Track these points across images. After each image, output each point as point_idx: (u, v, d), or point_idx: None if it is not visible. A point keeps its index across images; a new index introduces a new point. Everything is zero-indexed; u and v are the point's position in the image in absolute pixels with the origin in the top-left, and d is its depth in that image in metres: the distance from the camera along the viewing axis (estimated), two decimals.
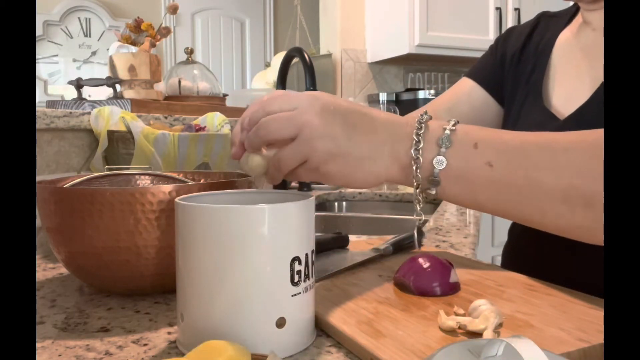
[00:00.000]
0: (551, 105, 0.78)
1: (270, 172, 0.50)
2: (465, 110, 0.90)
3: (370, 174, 0.48)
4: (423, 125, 0.47)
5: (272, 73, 2.32)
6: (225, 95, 1.85)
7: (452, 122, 0.48)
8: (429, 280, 0.60)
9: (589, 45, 0.77)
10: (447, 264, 0.62)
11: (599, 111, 0.60)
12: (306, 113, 0.47)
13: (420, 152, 0.47)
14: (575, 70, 0.77)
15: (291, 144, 0.48)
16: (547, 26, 0.86)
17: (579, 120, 0.70)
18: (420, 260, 0.62)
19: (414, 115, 0.50)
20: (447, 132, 0.47)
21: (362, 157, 0.47)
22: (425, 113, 0.49)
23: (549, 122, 0.76)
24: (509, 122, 0.85)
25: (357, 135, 0.47)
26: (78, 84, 1.35)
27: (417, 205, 0.49)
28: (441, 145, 0.47)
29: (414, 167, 0.47)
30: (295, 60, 1.75)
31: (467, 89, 0.92)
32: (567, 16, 0.85)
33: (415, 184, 0.48)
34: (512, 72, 0.87)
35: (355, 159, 0.47)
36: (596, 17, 0.76)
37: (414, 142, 0.47)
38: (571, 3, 0.82)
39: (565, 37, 0.82)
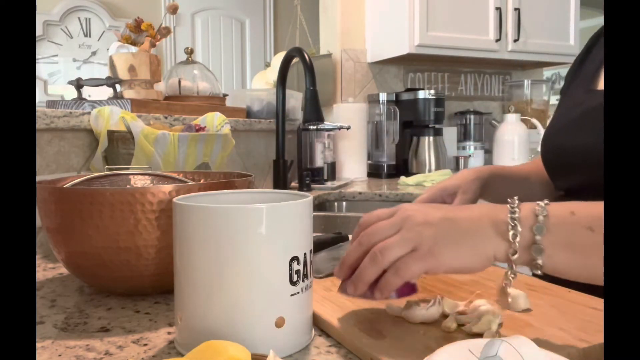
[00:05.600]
0: (598, 86, 0.80)
1: (386, 278, 0.50)
2: None
3: (478, 253, 0.49)
4: (516, 206, 0.49)
5: (272, 73, 2.32)
6: (225, 95, 1.85)
7: (544, 202, 0.49)
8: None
9: None
10: None
11: None
12: (405, 210, 0.52)
13: (518, 220, 0.48)
14: None
15: (395, 237, 0.49)
16: None
17: None
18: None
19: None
20: (542, 204, 0.49)
21: (466, 231, 0.49)
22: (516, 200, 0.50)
23: (589, 97, 0.77)
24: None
25: (455, 213, 0.50)
26: (78, 84, 1.35)
27: (510, 274, 0.50)
28: (538, 215, 0.48)
29: (511, 234, 0.48)
30: (295, 60, 1.75)
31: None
32: None
33: (512, 250, 0.48)
34: (575, 72, 0.89)
35: (459, 235, 0.49)
36: None
37: (509, 211, 0.49)
38: None
39: None
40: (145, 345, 0.51)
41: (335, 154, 2.20)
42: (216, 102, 1.71)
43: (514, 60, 2.54)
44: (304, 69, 1.45)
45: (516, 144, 2.41)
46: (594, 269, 0.46)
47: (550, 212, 0.48)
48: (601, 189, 0.56)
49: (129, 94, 1.36)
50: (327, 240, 0.86)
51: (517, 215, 0.48)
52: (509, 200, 0.50)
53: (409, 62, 2.61)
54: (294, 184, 1.96)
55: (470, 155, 2.53)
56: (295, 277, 0.48)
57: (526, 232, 0.48)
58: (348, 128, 2.08)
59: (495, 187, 0.90)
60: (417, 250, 0.49)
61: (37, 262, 0.83)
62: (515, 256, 0.48)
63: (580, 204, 0.49)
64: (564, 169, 0.81)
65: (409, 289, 0.52)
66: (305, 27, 2.88)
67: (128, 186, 0.76)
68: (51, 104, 1.35)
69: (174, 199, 0.50)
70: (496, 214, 0.49)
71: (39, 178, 0.96)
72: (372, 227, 0.52)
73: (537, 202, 0.49)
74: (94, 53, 4.25)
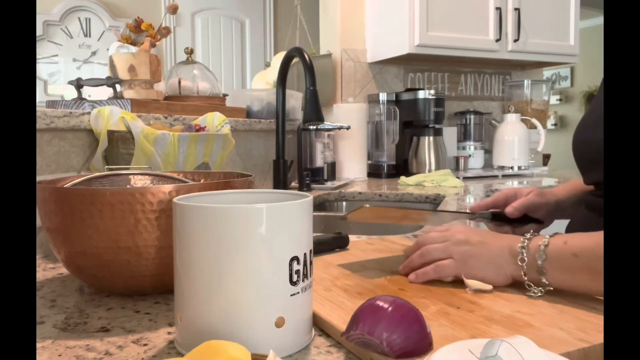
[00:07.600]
0: None
1: (425, 269, 0.68)
2: None
3: (500, 272, 0.65)
4: (529, 238, 0.64)
5: (272, 73, 2.32)
6: (225, 95, 1.85)
7: (549, 234, 0.64)
8: (409, 335, 0.45)
9: None
10: (414, 308, 0.48)
11: None
12: (455, 229, 0.71)
13: (526, 249, 0.63)
14: None
15: (440, 245, 0.69)
16: None
17: None
18: (384, 305, 0.47)
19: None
20: (547, 236, 0.63)
21: (492, 254, 0.66)
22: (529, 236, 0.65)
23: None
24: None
25: (488, 239, 0.68)
26: (78, 84, 1.35)
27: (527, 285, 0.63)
28: (540, 245, 0.62)
29: (519, 258, 0.63)
30: (295, 60, 1.75)
31: None
32: None
33: (523, 272, 0.63)
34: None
35: (488, 256, 0.66)
36: None
37: (521, 242, 0.64)
38: None
39: None
40: (145, 345, 0.51)
41: (335, 154, 2.20)
42: (216, 102, 1.71)
43: (514, 60, 2.54)
44: (304, 69, 1.45)
45: (516, 144, 2.41)
46: (583, 284, 0.60)
47: (550, 243, 0.62)
48: None
49: (129, 94, 1.36)
50: (327, 240, 0.86)
51: (525, 244, 0.63)
52: (525, 234, 0.65)
53: (409, 62, 2.61)
54: (294, 184, 1.96)
55: (470, 155, 2.53)
56: (295, 277, 0.48)
57: (532, 258, 0.62)
58: (348, 128, 2.08)
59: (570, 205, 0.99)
60: (453, 259, 0.67)
61: (37, 262, 0.83)
62: (525, 277, 0.63)
63: (575, 236, 0.62)
64: (591, 163, 0.83)
65: (429, 342, 0.47)
66: (305, 27, 2.88)
67: (128, 186, 0.76)
68: (51, 104, 1.35)
69: (174, 199, 0.50)
70: (514, 243, 0.64)
71: (39, 178, 0.96)
72: (428, 235, 0.72)
73: (545, 235, 0.63)
74: (94, 53, 4.25)
